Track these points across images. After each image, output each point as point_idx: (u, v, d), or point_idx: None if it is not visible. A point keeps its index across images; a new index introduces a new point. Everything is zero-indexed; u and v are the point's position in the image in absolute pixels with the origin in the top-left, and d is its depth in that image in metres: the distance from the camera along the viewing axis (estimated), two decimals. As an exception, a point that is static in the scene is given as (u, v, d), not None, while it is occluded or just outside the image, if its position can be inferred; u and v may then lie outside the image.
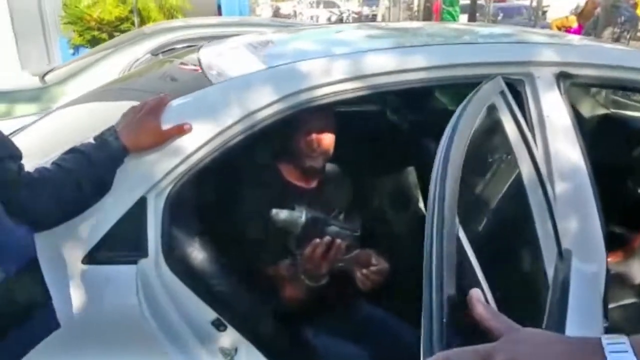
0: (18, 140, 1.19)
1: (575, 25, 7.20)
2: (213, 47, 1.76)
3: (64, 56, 7.73)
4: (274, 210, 1.38)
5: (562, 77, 1.41)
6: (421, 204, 2.08)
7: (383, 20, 17.76)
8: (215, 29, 3.54)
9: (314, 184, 1.68)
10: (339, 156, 1.73)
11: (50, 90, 3.34)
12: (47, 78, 3.60)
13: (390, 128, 2.28)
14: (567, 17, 7.90)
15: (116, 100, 1.70)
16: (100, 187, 1.17)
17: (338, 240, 1.37)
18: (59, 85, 3.36)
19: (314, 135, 1.57)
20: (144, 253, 1.23)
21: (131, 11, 7.80)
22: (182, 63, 1.75)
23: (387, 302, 1.62)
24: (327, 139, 1.60)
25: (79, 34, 8.17)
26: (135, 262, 1.22)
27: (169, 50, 3.18)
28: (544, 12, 17.09)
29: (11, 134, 1.78)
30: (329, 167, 1.74)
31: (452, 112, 1.04)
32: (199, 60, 1.57)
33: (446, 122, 0.99)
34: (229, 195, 1.55)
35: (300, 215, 1.39)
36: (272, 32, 2.16)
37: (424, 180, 2.06)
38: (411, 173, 2.17)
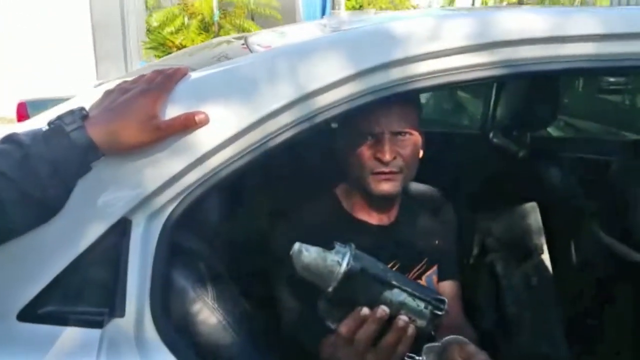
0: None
1: None
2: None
3: (143, 80, 7.79)
4: (297, 245, 0.76)
5: None
6: (546, 256, 1.43)
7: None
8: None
9: (388, 219, 1.10)
10: (427, 177, 1.18)
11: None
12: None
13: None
14: None
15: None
16: (40, 203, 0.69)
17: (403, 319, 0.75)
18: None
19: (386, 141, 0.97)
20: (118, 310, 0.77)
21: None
22: (244, 43, 1.28)
23: None
24: (407, 147, 1.00)
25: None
26: (100, 324, 0.76)
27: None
28: None
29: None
30: (418, 190, 1.18)
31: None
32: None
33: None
34: (262, 224, 1.02)
35: (340, 260, 0.75)
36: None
37: (552, 223, 1.45)
38: (533, 211, 1.47)
